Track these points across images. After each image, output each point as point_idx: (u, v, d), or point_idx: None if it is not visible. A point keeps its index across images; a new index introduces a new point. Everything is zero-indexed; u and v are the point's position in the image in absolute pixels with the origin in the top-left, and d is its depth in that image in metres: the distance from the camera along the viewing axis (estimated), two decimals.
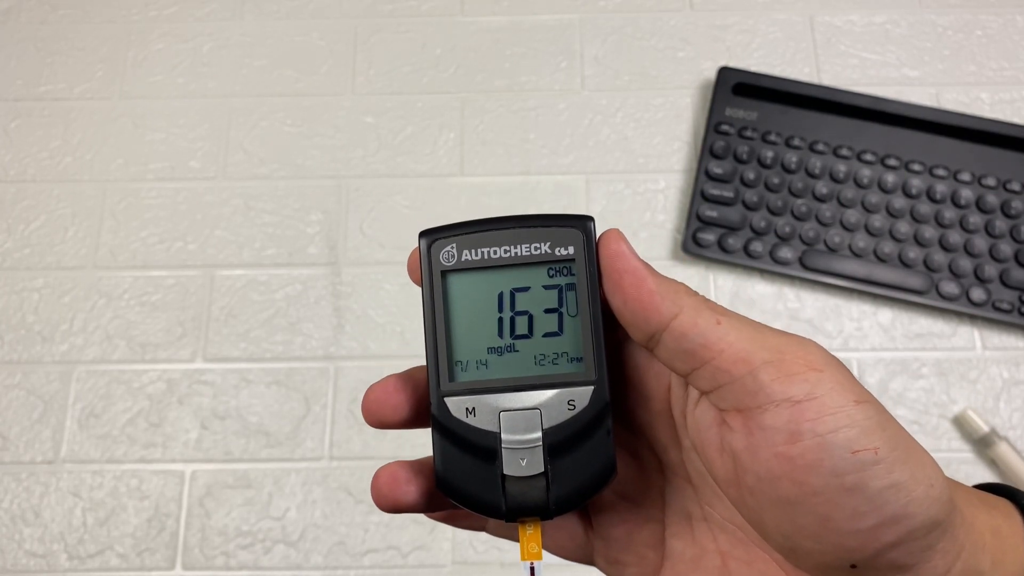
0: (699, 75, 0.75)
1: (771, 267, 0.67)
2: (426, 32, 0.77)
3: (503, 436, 0.25)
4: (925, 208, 0.67)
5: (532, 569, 0.25)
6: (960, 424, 0.63)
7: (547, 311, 0.26)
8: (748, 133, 0.70)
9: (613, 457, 0.25)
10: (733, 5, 0.78)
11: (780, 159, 0.69)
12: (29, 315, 0.68)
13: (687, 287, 0.24)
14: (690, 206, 0.69)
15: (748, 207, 0.68)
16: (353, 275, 0.69)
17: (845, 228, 0.67)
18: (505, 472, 0.25)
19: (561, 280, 0.26)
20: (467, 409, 0.25)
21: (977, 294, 0.65)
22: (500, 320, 0.26)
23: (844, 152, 0.69)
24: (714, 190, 0.69)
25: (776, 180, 0.69)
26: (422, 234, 0.26)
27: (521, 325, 0.26)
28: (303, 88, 0.76)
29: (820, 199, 0.68)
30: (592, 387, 0.25)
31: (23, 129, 0.75)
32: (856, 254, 0.67)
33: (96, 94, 0.76)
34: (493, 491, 0.25)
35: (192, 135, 0.74)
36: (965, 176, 0.68)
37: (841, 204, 0.68)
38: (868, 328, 0.66)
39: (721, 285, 0.68)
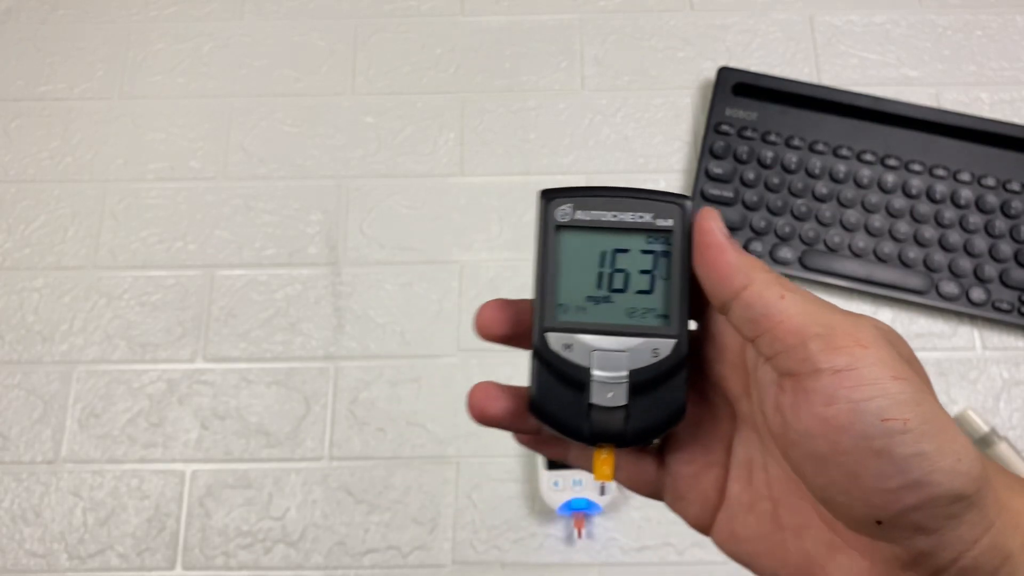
0: (699, 75, 0.75)
1: (771, 267, 0.67)
2: (426, 32, 0.78)
3: (594, 371, 0.28)
4: (925, 208, 0.67)
5: (602, 488, 0.29)
6: (960, 424, 0.63)
7: (642, 272, 0.29)
8: (748, 133, 0.70)
9: (684, 402, 0.28)
10: (733, 5, 0.78)
11: (780, 159, 0.69)
12: (29, 315, 0.68)
13: (763, 264, 0.27)
14: None
15: (748, 207, 0.68)
16: (353, 275, 0.69)
17: (845, 228, 0.67)
18: (592, 402, 0.28)
19: (657, 247, 0.29)
20: (564, 344, 0.29)
21: (977, 294, 0.65)
22: (600, 274, 0.29)
23: (844, 152, 0.69)
24: (714, 190, 0.69)
25: (776, 180, 0.69)
26: (543, 192, 0.30)
27: (618, 281, 0.29)
28: (303, 88, 0.76)
29: (820, 199, 0.68)
30: (675, 340, 0.28)
31: (23, 129, 0.75)
32: (856, 254, 0.67)
33: (96, 94, 0.76)
34: (579, 417, 0.28)
35: (192, 135, 0.74)
36: (965, 176, 0.68)
37: (841, 204, 0.68)
38: None
39: None
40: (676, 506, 0.31)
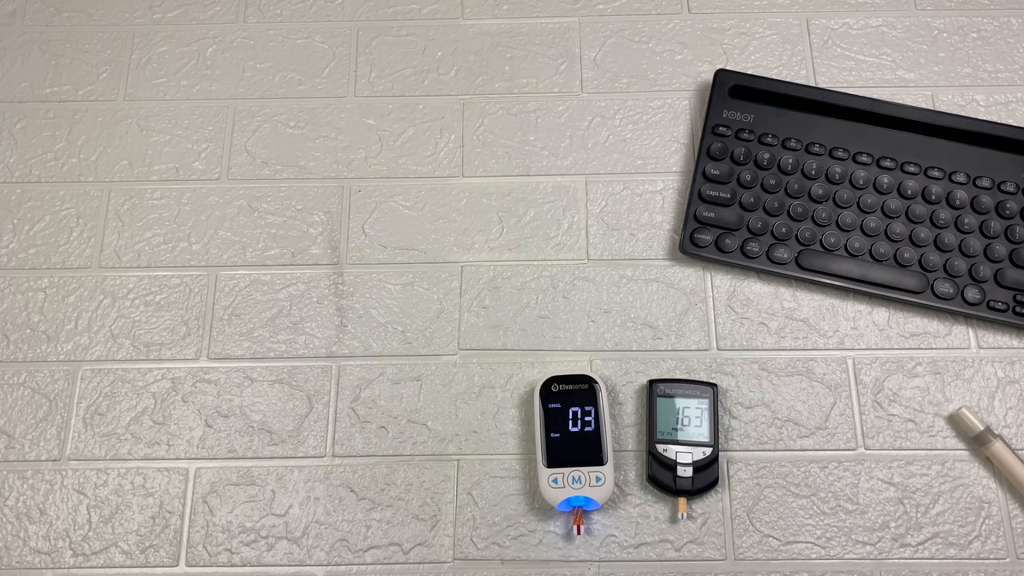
0: (696, 77, 0.76)
1: (768, 267, 0.67)
2: (427, 35, 0.78)
3: (678, 460, 0.61)
4: (920, 209, 0.68)
5: (682, 517, 0.61)
6: (955, 423, 0.64)
7: (696, 418, 0.62)
8: (745, 135, 0.71)
9: (718, 476, 0.61)
10: (730, 8, 0.79)
11: (777, 160, 0.70)
12: (35, 315, 0.69)
13: None
14: (687, 207, 0.69)
15: (745, 208, 0.69)
16: (355, 275, 0.70)
17: (841, 228, 0.68)
18: (677, 475, 0.61)
19: (703, 406, 0.62)
20: (663, 449, 0.61)
21: (972, 294, 0.66)
22: (677, 418, 0.62)
23: (840, 154, 0.70)
24: (711, 191, 0.69)
25: (773, 181, 0.69)
26: (650, 381, 0.64)
27: (685, 421, 0.62)
28: (306, 90, 0.76)
29: (816, 200, 0.69)
30: (712, 448, 0.61)
31: (28, 131, 0.75)
32: (852, 254, 0.67)
33: (100, 96, 0.77)
34: (671, 482, 0.61)
35: (196, 137, 0.75)
36: (960, 177, 0.69)
37: (837, 205, 0.69)
38: (864, 328, 0.67)
39: (718, 285, 0.69)
40: None
